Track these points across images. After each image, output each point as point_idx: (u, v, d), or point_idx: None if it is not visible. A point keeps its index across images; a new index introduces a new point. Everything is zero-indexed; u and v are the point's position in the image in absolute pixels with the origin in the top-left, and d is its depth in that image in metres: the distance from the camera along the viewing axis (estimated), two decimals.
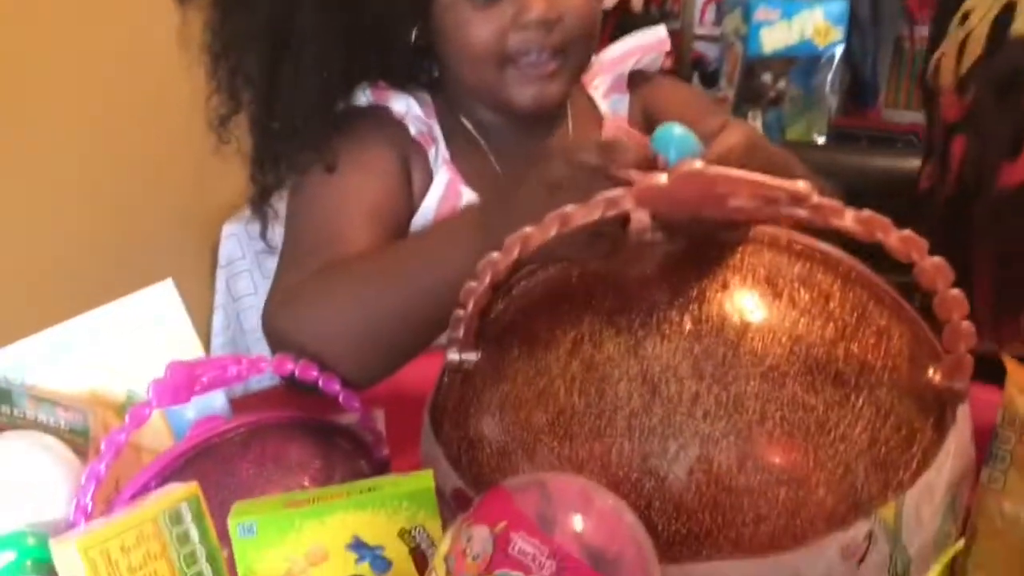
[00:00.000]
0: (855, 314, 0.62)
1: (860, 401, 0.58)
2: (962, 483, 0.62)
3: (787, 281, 0.63)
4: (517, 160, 0.99)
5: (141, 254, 1.64)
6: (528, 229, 0.61)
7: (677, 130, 0.65)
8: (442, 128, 1.03)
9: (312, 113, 0.96)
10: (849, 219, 0.57)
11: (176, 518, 0.58)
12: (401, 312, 0.80)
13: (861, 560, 0.55)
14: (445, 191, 1.01)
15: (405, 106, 1.01)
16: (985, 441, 0.60)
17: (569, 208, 0.61)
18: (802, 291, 0.62)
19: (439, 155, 1.02)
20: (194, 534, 0.59)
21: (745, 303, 0.61)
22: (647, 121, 1.09)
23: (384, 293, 0.81)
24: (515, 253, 0.62)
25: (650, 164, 0.63)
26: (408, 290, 0.80)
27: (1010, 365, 0.59)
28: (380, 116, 1.01)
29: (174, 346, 0.77)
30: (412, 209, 1.01)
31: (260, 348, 0.83)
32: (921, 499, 0.57)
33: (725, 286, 0.62)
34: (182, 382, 0.66)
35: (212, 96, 0.98)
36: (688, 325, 0.60)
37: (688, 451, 0.55)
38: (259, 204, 1.02)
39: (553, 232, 0.61)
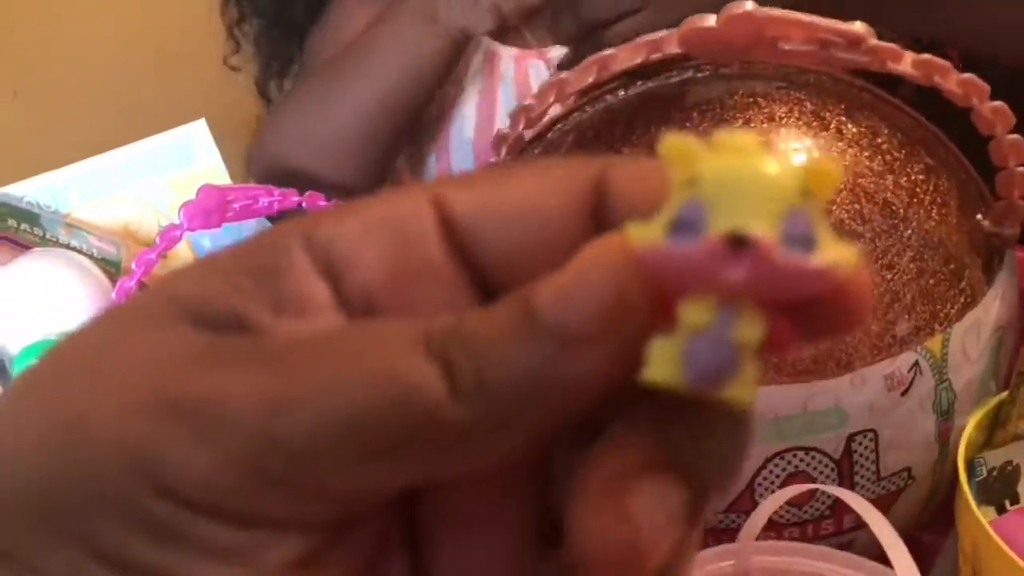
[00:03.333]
0: (903, 151, 0.57)
1: (908, 232, 0.52)
2: (1008, 330, 0.57)
3: (834, 115, 0.57)
4: None
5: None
6: (564, 74, 0.57)
7: None
8: None
9: None
10: (907, 63, 0.52)
11: None
12: (365, 104, 0.81)
13: (905, 392, 0.50)
14: None
15: None
16: None
17: (610, 51, 0.56)
18: (849, 124, 0.57)
19: None
20: None
21: (791, 133, 0.56)
22: None
23: (345, 91, 0.82)
24: (550, 99, 0.58)
25: None
26: (365, 82, 0.81)
27: None
28: None
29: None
30: None
31: None
32: (967, 336, 0.52)
33: (771, 117, 0.57)
34: (213, 205, 0.61)
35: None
36: None
37: None
38: None
39: (591, 78, 0.57)
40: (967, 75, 0.52)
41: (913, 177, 0.55)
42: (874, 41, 0.52)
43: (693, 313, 0.15)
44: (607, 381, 0.16)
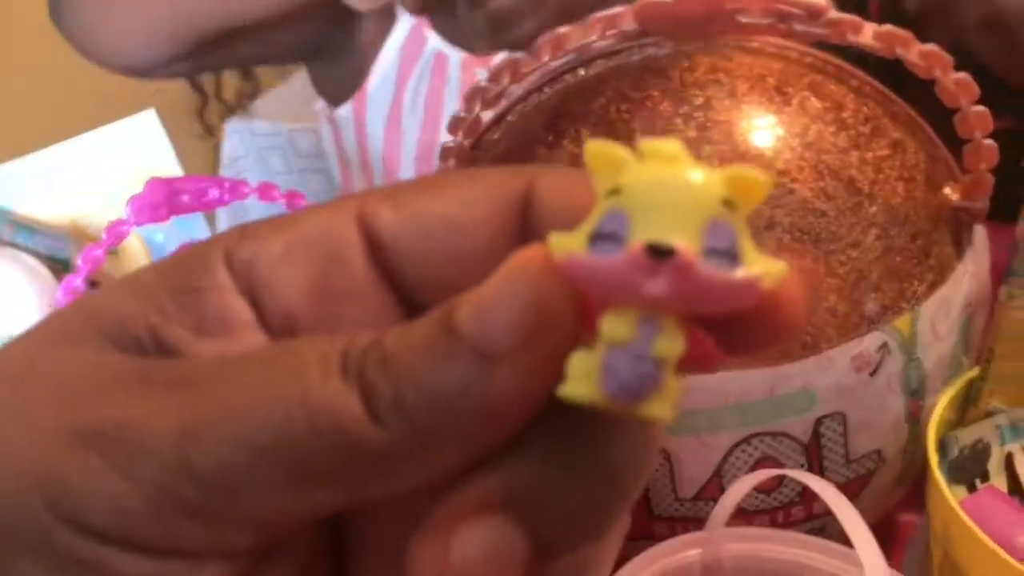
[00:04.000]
0: (869, 125, 0.55)
1: (874, 208, 0.51)
2: (977, 308, 0.56)
3: (797, 90, 0.56)
4: None
5: None
6: (517, 55, 0.55)
7: None
8: None
9: None
10: (868, 34, 0.51)
11: None
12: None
13: (874, 372, 0.49)
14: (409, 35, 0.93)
15: None
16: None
17: (563, 29, 0.55)
18: (813, 99, 0.55)
19: None
20: None
21: (753, 110, 0.54)
22: None
23: None
24: (505, 80, 0.56)
25: None
26: None
27: None
28: None
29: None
30: None
31: None
32: (937, 313, 0.51)
33: (733, 93, 0.55)
34: (161, 198, 0.59)
35: None
36: (693, 132, 0.53)
37: None
38: None
39: (546, 58, 0.56)
40: (929, 46, 0.51)
41: (879, 152, 0.54)
42: (834, 13, 0.50)
43: (613, 326, 0.15)
44: (531, 398, 0.15)
